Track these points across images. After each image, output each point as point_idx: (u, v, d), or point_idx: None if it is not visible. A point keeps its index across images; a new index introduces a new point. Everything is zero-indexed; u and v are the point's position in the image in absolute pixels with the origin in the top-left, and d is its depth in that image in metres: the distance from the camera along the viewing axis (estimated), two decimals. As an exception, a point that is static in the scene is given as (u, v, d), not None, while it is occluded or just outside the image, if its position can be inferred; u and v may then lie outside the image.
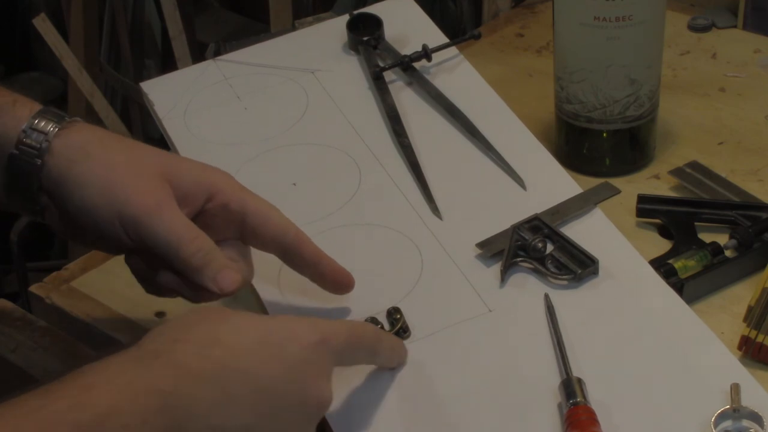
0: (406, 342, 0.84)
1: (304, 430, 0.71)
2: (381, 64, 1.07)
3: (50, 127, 0.80)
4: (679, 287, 0.90)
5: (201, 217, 0.82)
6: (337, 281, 0.84)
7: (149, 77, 1.31)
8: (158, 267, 0.80)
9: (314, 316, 0.86)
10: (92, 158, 0.80)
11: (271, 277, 0.89)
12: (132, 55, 1.98)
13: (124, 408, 0.64)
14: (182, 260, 0.78)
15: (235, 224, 0.82)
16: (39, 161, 0.80)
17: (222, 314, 0.71)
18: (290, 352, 0.70)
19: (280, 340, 0.70)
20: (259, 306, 0.89)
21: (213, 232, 0.81)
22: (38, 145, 0.80)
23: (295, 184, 0.97)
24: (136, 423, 0.64)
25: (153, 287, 0.83)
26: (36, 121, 0.80)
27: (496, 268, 0.88)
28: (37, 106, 0.82)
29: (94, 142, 0.81)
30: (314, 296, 0.88)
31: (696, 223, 0.98)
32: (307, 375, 0.71)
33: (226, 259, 0.80)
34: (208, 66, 1.11)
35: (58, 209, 0.81)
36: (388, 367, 0.81)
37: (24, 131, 0.80)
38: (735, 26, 1.29)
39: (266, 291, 0.88)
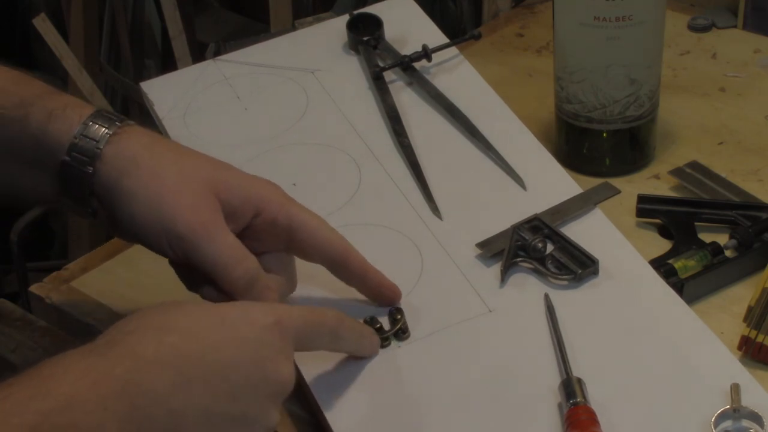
0: (405, 342, 0.84)
1: (266, 412, 0.71)
2: (381, 64, 1.07)
3: (102, 132, 0.80)
4: (679, 287, 0.90)
5: (248, 231, 0.82)
6: (384, 294, 0.85)
7: (149, 77, 1.31)
8: (202, 281, 0.80)
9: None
10: (141, 169, 0.79)
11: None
12: (132, 55, 1.98)
13: (84, 395, 0.64)
14: (227, 282, 0.78)
15: (282, 237, 0.82)
16: (90, 169, 0.79)
17: (177, 303, 0.72)
18: (245, 334, 0.71)
19: (235, 322, 0.71)
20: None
21: (259, 243, 0.82)
22: (90, 153, 0.79)
23: (295, 184, 0.97)
24: (97, 409, 0.64)
25: (194, 288, 0.83)
26: (87, 127, 0.80)
27: (496, 268, 0.88)
28: (89, 110, 0.81)
29: (144, 152, 0.80)
30: (315, 297, 0.88)
31: (696, 223, 0.98)
32: (263, 356, 0.71)
33: (269, 281, 0.80)
34: (208, 66, 1.11)
35: (108, 215, 0.81)
36: (358, 354, 0.81)
37: (75, 138, 0.79)
38: (735, 26, 1.29)
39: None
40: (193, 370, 0.68)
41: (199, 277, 0.80)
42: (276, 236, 0.82)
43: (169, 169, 0.80)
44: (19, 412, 0.62)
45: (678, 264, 0.92)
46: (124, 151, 0.80)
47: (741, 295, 0.93)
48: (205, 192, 0.80)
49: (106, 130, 0.80)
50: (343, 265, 0.84)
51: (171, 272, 0.81)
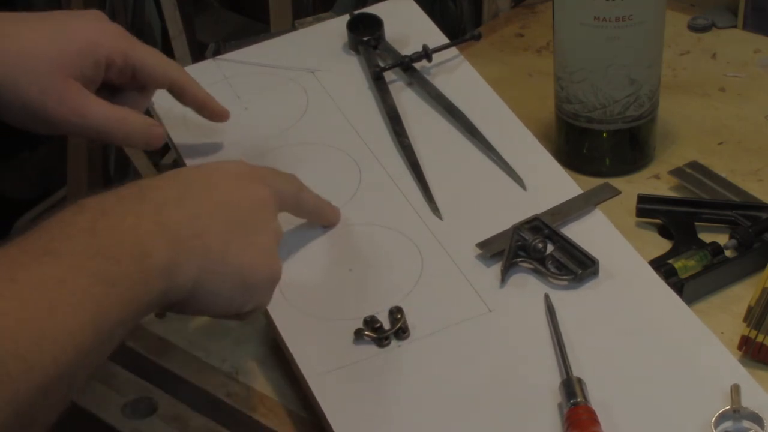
0: (405, 342, 0.84)
1: (268, 224, 0.80)
2: (381, 65, 1.07)
3: None
4: (679, 287, 0.91)
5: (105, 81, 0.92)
6: (215, 112, 0.99)
7: (149, 77, 1.31)
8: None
9: (316, 316, 0.86)
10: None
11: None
12: (132, 55, 1.98)
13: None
14: (123, 142, 0.94)
15: (129, 76, 0.93)
16: None
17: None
18: (228, 169, 0.81)
19: (212, 166, 0.82)
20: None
21: (114, 86, 0.93)
22: None
23: (295, 184, 0.97)
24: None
25: None
26: None
27: (496, 268, 0.88)
28: None
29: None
30: (315, 296, 0.88)
31: (696, 223, 0.98)
32: (246, 182, 0.81)
33: (148, 119, 0.93)
34: (208, 65, 1.11)
35: None
36: (321, 222, 0.91)
37: None
38: (735, 26, 1.29)
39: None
40: (194, 186, 0.78)
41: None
42: (125, 76, 0.92)
43: (15, 71, 0.87)
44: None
45: (678, 264, 0.93)
46: None
47: (741, 295, 0.93)
48: (59, 77, 0.87)
49: None
50: (181, 93, 0.96)
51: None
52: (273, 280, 0.80)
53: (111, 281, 0.67)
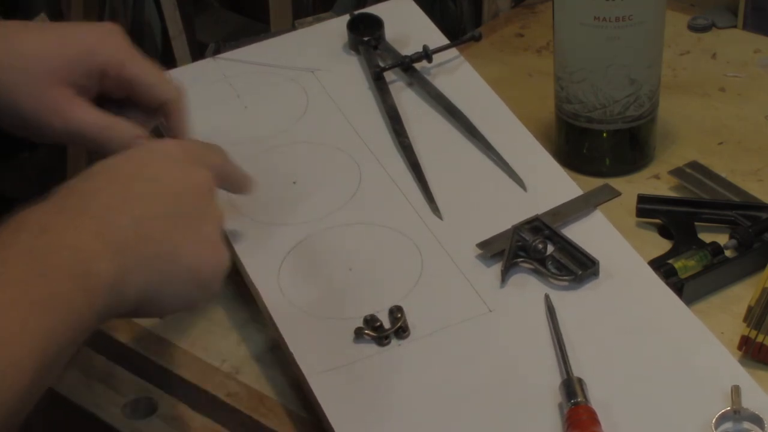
0: (405, 341, 0.84)
1: (206, 207, 0.78)
2: (381, 65, 1.07)
3: None
4: (679, 287, 0.90)
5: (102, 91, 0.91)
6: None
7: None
8: None
9: (316, 315, 0.86)
10: None
11: (271, 277, 0.89)
12: (132, 55, 1.98)
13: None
14: (106, 150, 0.87)
15: (126, 89, 0.90)
16: None
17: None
18: (162, 153, 0.80)
19: (144, 152, 0.80)
20: (259, 306, 0.89)
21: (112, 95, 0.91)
22: None
23: (295, 183, 0.97)
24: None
25: None
26: None
27: (497, 268, 0.88)
28: None
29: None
30: (315, 296, 0.88)
31: (696, 223, 0.98)
32: (183, 165, 0.79)
33: (137, 130, 0.89)
34: (207, 64, 1.11)
35: None
36: (236, 192, 0.88)
37: None
38: (735, 26, 1.29)
39: (266, 290, 0.88)
40: (135, 184, 0.75)
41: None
42: (123, 90, 0.90)
43: (14, 74, 0.86)
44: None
45: (678, 264, 0.92)
46: None
47: (741, 295, 0.93)
48: (51, 82, 0.87)
49: None
50: (167, 117, 0.92)
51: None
52: (222, 270, 0.78)
53: (55, 307, 0.65)
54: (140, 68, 0.89)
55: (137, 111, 0.91)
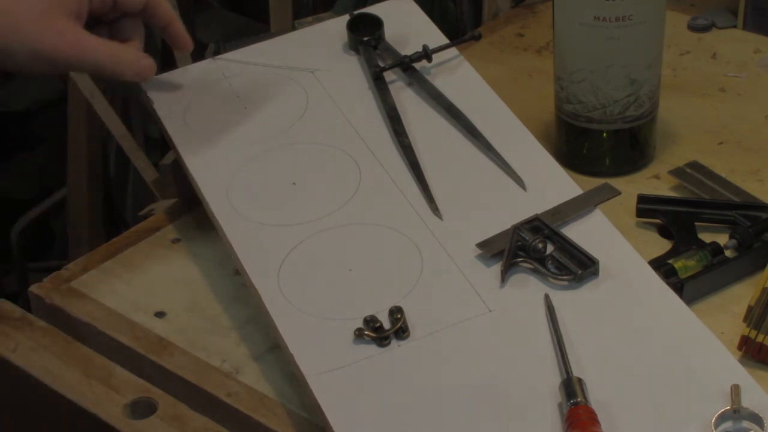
0: (405, 341, 0.84)
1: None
2: (381, 65, 1.07)
3: None
4: (679, 287, 0.91)
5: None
6: (177, 38, 1.03)
7: (149, 77, 1.31)
8: None
9: (316, 316, 0.86)
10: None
11: (271, 276, 0.89)
12: (132, 55, 1.98)
13: None
14: (119, 77, 0.97)
15: (109, 6, 0.98)
16: None
17: None
18: None
19: None
20: (259, 305, 0.89)
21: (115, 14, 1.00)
22: None
23: (294, 184, 0.97)
24: None
25: None
26: None
27: (497, 268, 0.88)
28: None
29: None
30: (316, 296, 0.88)
31: (696, 223, 0.98)
32: None
33: (138, 52, 0.99)
34: (207, 65, 1.11)
35: None
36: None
37: None
38: (735, 26, 1.29)
39: (266, 290, 0.88)
40: None
41: None
42: (106, 6, 0.98)
43: (18, 16, 0.92)
44: None
45: (678, 264, 0.93)
46: None
47: (741, 295, 0.93)
48: (56, 15, 0.93)
49: None
50: (153, 14, 1.00)
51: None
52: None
53: None
54: None
55: (126, 23, 1.00)
